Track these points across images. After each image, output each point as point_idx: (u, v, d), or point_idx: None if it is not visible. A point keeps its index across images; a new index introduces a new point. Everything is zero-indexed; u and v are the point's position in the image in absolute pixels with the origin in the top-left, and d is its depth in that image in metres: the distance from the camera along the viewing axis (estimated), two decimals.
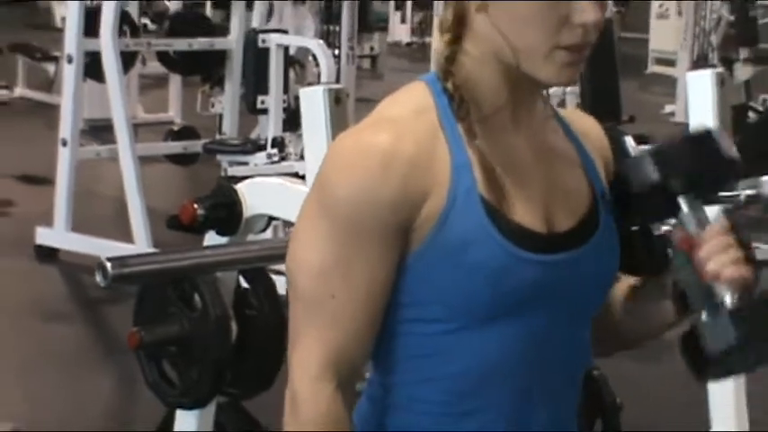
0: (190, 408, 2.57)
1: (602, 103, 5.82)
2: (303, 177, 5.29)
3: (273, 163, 5.59)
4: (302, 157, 5.71)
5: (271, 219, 2.56)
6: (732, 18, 9.92)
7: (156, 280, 2.50)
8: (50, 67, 8.78)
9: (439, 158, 1.29)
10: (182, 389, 2.50)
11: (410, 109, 1.30)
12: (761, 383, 4.10)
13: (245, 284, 2.65)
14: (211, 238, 2.53)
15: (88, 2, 5.62)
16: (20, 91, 8.96)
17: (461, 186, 1.27)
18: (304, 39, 5.92)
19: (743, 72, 8.93)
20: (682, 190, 1.30)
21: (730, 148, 1.33)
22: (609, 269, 1.40)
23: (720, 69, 3.71)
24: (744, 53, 9.10)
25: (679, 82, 10.13)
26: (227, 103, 6.37)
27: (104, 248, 4.91)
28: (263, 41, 5.50)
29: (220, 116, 6.63)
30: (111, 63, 5.36)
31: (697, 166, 1.31)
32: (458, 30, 1.32)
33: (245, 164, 5.64)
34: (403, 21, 14.01)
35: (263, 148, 5.66)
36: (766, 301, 1.28)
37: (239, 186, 2.48)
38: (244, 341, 2.52)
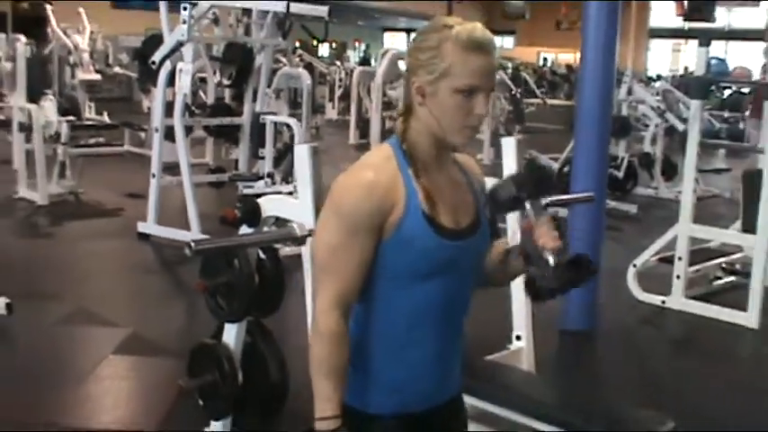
0: (232, 322, 3.52)
1: None
2: (290, 194, 6.73)
3: (268, 186, 7.10)
4: (285, 182, 7.20)
5: (277, 218, 3.42)
6: (510, 107, 13.37)
7: (216, 252, 3.29)
8: (142, 134, 11.37)
9: (399, 187, 1.76)
10: (228, 311, 3.46)
11: (381, 158, 1.80)
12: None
13: (262, 255, 3.47)
14: (243, 229, 3.40)
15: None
16: (126, 147, 11.67)
17: (411, 204, 1.77)
18: (285, 118, 7.48)
19: (515, 137, 12.10)
20: (527, 197, 1.82)
21: (551, 174, 2.28)
22: (485, 247, 1.93)
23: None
24: (517, 128, 12.95)
25: (485, 143, 13.00)
26: (241, 153, 7.86)
27: (176, 234, 7.07)
28: (263, 119, 7.10)
29: (236, 160, 8.16)
30: (179, 131, 7.06)
31: (535, 184, 1.83)
32: (407, 115, 1.83)
33: (252, 187, 7.15)
34: (333, 107, 18.55)
35: (262, 178, 7.14)
36: (570, 261, 1.78)
37: (259, 200, 3.40)
38: (261, 286, 3.41)
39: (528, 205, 1.81)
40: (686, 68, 24.52)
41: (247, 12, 7.52)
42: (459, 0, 26.02)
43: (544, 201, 1.84)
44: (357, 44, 32.77)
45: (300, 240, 3.25)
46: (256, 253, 3.53)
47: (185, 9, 6.78)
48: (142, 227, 7.45)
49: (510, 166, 4.06)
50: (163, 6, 7.11)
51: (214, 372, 3.68)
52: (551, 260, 1.76)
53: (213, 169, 8.28)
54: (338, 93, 19.25)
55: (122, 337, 5.17)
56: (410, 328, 1.82)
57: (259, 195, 6.85)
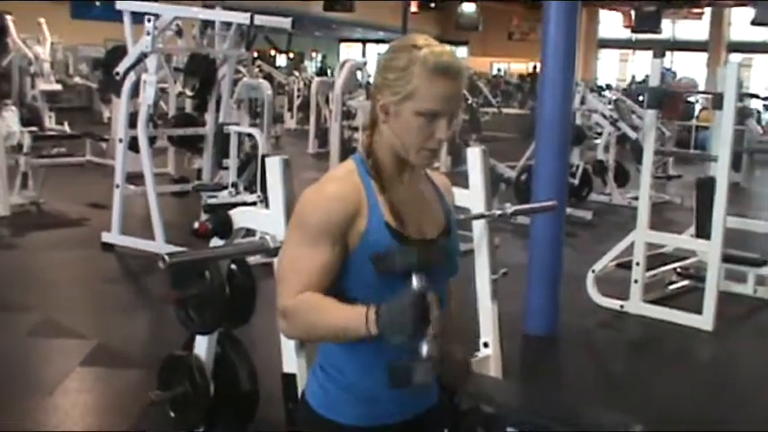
0: (203, 333, 3.51)
1: None
2: (252, 204, 6.68)
3: (232, 196, 6.99)
4: (248, 191, 7.11)
5: (248, 230, 3.45)
6: (467, 117, 13.28)
7: (189, 265, 3.27)
8: (104, 144, 11.23)
9: (362, 200, 1.76)
10: (199, 323, 3.41)
11: (344, 172, 1.81)
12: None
13: (233, 266, 3.47)
14: (215, 241, 3.39)
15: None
16: (88, 157, 11.41)
17: (374, 217, 1.77)
18: (248, 128, 7.44)
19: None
20: (415, 270, 1.67)
21: (442, 252, 1.79)
22: (455, 256, 1.90)
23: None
24: (473, 136, 12.88)
25: (442, 151, 12.37)
26: (204, 163, 7.71)
27: (140, 244, 7.01)
28: (226, 130, 6.98)
29: (199, 170, 8.04)
30: (143, 142, 6.97)
31: (429, 260, 1.69)
32: (372, 130, 1.83)
33: (216, 197, 7.01)
34: (291, 117, 18.59)
35: (226, 188, 7.04)
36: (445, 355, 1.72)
37: (231, 212, 3.40)
38: (233, 297, 3.38)
39: (415, 279, 1.67)
40: (633, 78, 24.77)
41: (210, 23, 7.41)
42: (414, 12, 26.02)
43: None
44: (314, 54, 32.68)
45: (273, 252, 3.19)
46: (227, 264, 3.49)
47: (149, 21, 6.68)
48: (106, 237, 7.32)
49: (476, 177, 4.04)
50: (127, 18, 7.00)
51: (185, 383, 3.63)
52: (425, 350, 1.64)
53: (176, 179, 8.17)
54: (297, 103, 19.18)
55: (89, 348, 5.06)
56: (373, 345, 1.75)
57: (223, 205, 6.86)
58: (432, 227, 1.87)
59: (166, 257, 2.86)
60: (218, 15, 7.17)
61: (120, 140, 7.20)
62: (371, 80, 1.90)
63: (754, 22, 18.44)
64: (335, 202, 1.75)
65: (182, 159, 10.59)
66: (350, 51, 34.69)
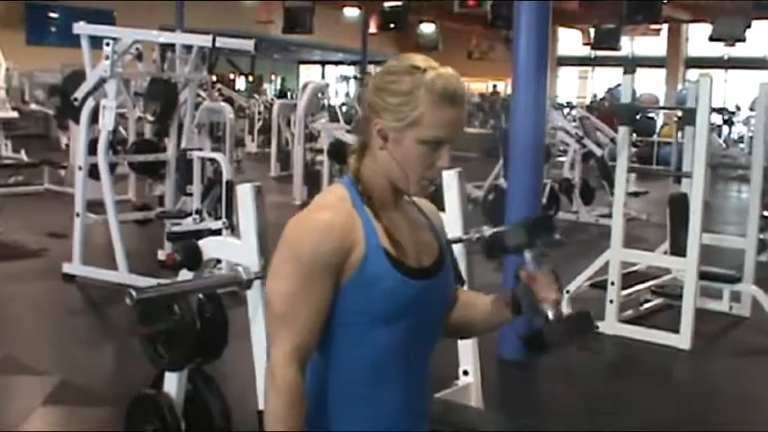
0: (174, 370, 3.32)
1: None
2: (218, 231, 6.52)
3: (196, 223, 6.80)
4: (211, 217, 6.93)
5: (218, 260, 3.44)
6: None
7: (158, 301, 3.11)
8: (62, 172, 11.03)
9: (357, 227, 1.66)
10: (168, 360, 3.23)
11: (336, 198, 1.71)
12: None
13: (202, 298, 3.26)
14: (183, 273, 3.25)
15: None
16: (46, 186, 11.19)
17: (372, 244, 1.66)
18: (212, 153, 7.22)
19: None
20: (527, 246, 1.76)
21: (552, 224, 1.86)
22: (449, 288, 1.84)
23: None
24: None
25: None
26: (167, 189, 7.51)
27: (102, 275, 6.77)
28: (189, 155, 6.80)
29: (160, 197, 7.84)
30: (104, 169, 6.76)
31: (537, 234, 1.77)
32: (361, 153, 1.74)
33: (180, 224, 6.84)
34: (252, 140, 18.49)
35: (190, 214, 6.85)
36: (569, 316, 1.75)
37: (200, 243, 3.23)
38: (203, 331, 3.20)
39: (528, 255, 1.76)
40: (595, 96, 24.93)
41: (170, 47, 7.25)
42: (373, 33, 25.98)
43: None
44: (273, 77, 32.53)
45: (246, 285, 3.06)
46: (197, 296, 3.33)
47: (108, 45, 6.51)
48: (67, 267, 7.04)
49: (452, 199, 3.92)
50: (85, 42, 6.82)
51: (155, 423, 3.45)
52: (550, 314, 1.72)
53: (139, 206, 7.95)
54: (258, 126, 18.99)
55: (52, 385, 4.82)
56: (373, 377, 1.71)
57: (187, 232, 6.65)
58: (428, 255, 1.78)
59: (134, 293, 2.70)
60: (180, 38, 7.03)
61: (80, 168, 6.98)
62: (365, 103, 1.76)
63: (712, 38, 18.60)
64: (330, 233, 1.64)
65: (143, 186, 10.37)
66: (309, 73, 34.59)
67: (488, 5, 16.28)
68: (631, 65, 5.90)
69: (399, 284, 1.67)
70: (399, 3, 18.91)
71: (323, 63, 34.45)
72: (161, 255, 7.66)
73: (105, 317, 6.52)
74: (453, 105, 1.66)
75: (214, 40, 6.33)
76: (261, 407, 3.13)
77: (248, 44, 6.50)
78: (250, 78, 28.54)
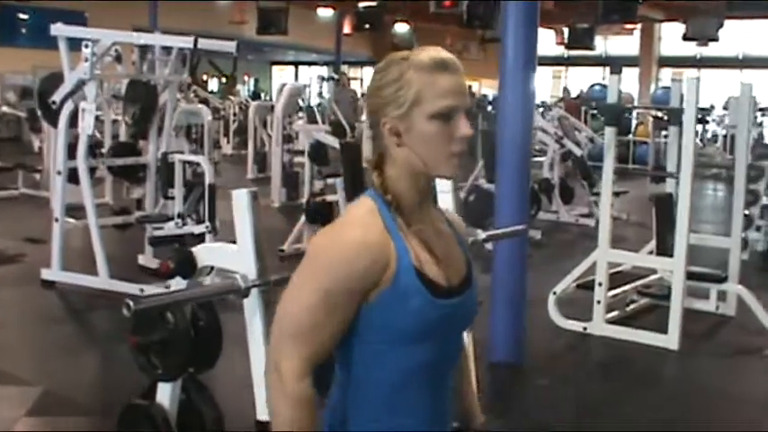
0: (167, 380, 3.26)
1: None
2: (200, 236, 6.41)
3: (178, 227, 6.71)
4: (195, 222, 6.84)
5: (212, 268, 3.27)
6: None
7: (156, 309, 3.01)
8: (37, 175, 10.87)
9: (389, 244, 1.60)
10: (163, 369, 3.15)
11: (365, 213, 1.63)
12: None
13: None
14: (177, 281, 3.21)
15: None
16: (21, 190, 11.16)
17: (403, 261, 1.60)
18: (194, 156, 7.21)
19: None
20: None
21: None
22: (475, 305, 1.76)
23: None
24: None
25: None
26: (147, 193, 7.40)
27: (82, 280, 6.65)
28: (170, 158, 6.69)
29: (138, 200, 7.71)
30: (83, 173, 6.64)
31: None
32: (380, 164, 1.67)
33: (162, 228, 6.77)
34: (228, 142, 18.52)
35: (171, 219, 6.75)
36: None
37: (193, 249, 3.20)
38: (198, 340, 3.13)
39: None
40: (564, 89, 24.93)
41: (149, 48, 7.14)
42: (347, 34, 25.92)
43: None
44: (247, 78, 32.35)
45: (245, 293, 3.00)
46: (191, 305, 3.26)
47: (86, 46, 6.39)
48: (46, 273, 6.90)
49: (446, 204, 3.84)
50: (62, 44, 6.70)
51: None
52: None
53: (118, 211, 7.80)
54: (233, 128, 18.86)
55: (35, 395, 4.70)
56: (398, 396, 1.65)
57: (170, 237, 6.55)
58: (456, 272, 1.71)
59: (131, 304, 2.61)
60: (160, 40, 6.90)
61: (59, 172, 6.85)
62: (368, 115, 1.72)
63: (685, 38, 18.68)
64: (363, 251, 1.58)
65: (120, 189, 10.19)
66: (282, 74, 34.42)
67: (464, 5, 16.21)
68: (617, 65, 5.88)
69: (428, 305, 1.62)
70: (375, 3, 18.82)
71: (296, 64, 34.29)
72: (141, 259, 7.56)
73: (87, 324, 6.40)
74: (447, 71, 1.61)
75: (196, 42, 6.23)
76: (259, 417, 3.10)
77: (230, 45, 6.41)
78: (223, 80, 28.45)
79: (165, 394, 3.32)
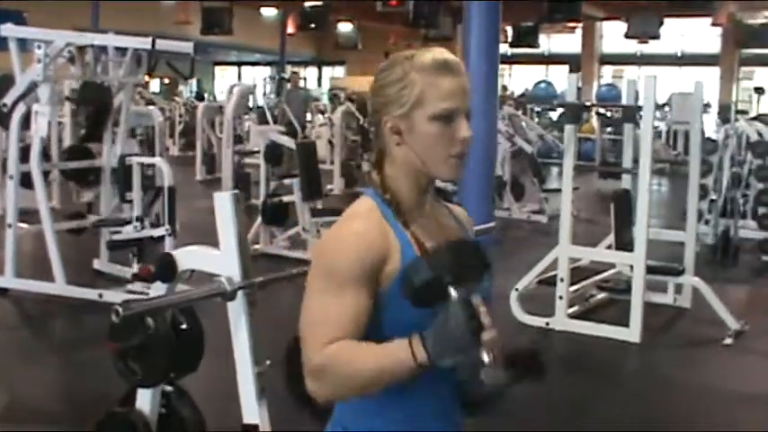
0: (148, 387, 3.20)
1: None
2: (158, 239, 6.32)
3: (137, 230, 6.60)
4: (154, 226, 6.73)
5: (192, 271, 3.22)
6: (358, 137, 14.01)
7: (144, 314, 2.94)
8: None
9: (390, 238, 1.62)
10: (143, 375, 3.07)
11: (365, 209, 1.66)
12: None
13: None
14: (157, 286, 3.15)
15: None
16: None
17: (407, 254, 1.62)
18: (153, 158, 7.08)
19: (366, 166, 12.52)
20: (451, 282, 1.50)
21: (481, 250, 1.60)
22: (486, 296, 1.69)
23: None
24: (366, 157, 13.10)
25: (335, 173, 13.25)
26: (102, 196, 7.28)
27: (38, 287, 6.49)
28: (128, 161, 6.58)
29: (89, 204, 7.58)
30: (37, 177, 6.51)
31: (460, 264, 1.53)
32: (380, 162, 1.70)
33: (120, 232, 6.67)
34: (174, 144, 18.30)
35: (130, 222, 6.65)
36: (511, 357, 1.58)
37: (174, 253, 3.15)
38: (179, 344, 3.07)
39: (453, 292, 1.50)
40: (512, 93, 25.16)
41: (103, 49, 7.02)
42: (291, 34, 25.83)
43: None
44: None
45: (230, 296, 2.97)
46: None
47: (39, 48, 6.28)
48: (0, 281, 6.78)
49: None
50: (13, 45, 6.58)
51: None
52: (485, 357, 1.49)
53: (72, 215, 7.64)
54: (179, 129, 18.69)
55: (1, 406, 4.63)
56: (408, 390, 1.64)
57: (130, 240, 6.46)
58: None
59: (120, 309, 2.57)
60: (117, 41, 6.80)
61: (11, 177, 6.71)
62: (369, 112, 1.74)
63: (627, 36, 19.01)
64: (363, 241, 1.60)
65: (67, 193, 9.94)
66: (225, 75, 34.15)
67: (411, 5, 16.30)
68: (576, 63, 5.95)
69: None
70: (320, 2, 18.79)
71: (239, 64, 34.05)
72: (97, 264, 7.45)
73: (44, 330, 6.28)
74: (450, 73, 1.63)
75: (154, 43, 6.17)
76: (246, 420, 3.07)
77: (187, 46, 6.36)
78: (165, 81, 28.15)
79: (146, 400, 3.26)
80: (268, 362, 3.10)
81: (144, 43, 6.29)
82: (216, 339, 3.20)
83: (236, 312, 3.03)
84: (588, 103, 7.66)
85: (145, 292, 6.29)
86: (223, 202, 3.05)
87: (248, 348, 3.04)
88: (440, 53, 1.65)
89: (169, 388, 3.32)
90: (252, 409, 3.01)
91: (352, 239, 1.60)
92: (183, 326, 3.19)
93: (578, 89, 6.41)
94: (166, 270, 3.15)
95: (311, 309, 1.62)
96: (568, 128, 6.24)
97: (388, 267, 1.61)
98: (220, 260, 3.04)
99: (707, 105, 15.12)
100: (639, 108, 6.08)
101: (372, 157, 1.73)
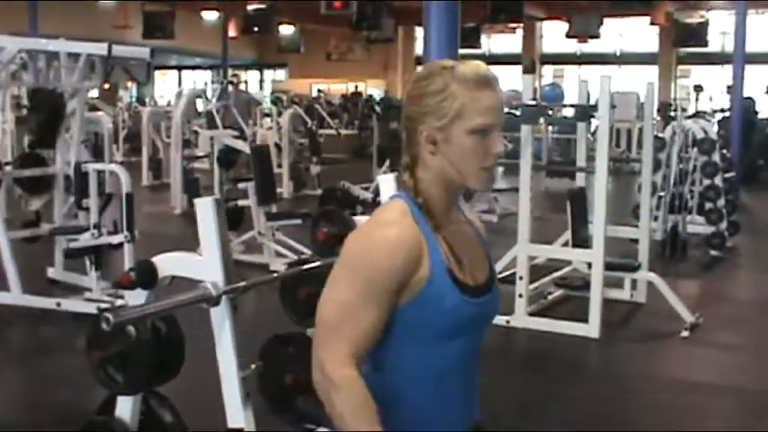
0: (130, 394, 3.17)
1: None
2: (116, 246, 6.23)
3: (95, 238, 6.51)
4: (111, 233, 6.64)
5: (173, 277, 3.12)
6: (306, 140, 14.02)
7: (134, 322, 2.94)
8: None
9: (422, 244, 1.66)
10: (124, 383, 3.07)
11: (398, 213, 1.69)
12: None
13: None
14: (137, 293, 3.09)
15: None
16: None
17: (436, 261, 1.67)
18: (109, 165, 6.97)
19: (314, 169, 13.34)
20: None
21: None
22: (498, 301, 1.84)
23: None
24: (315, 159, 13.36)
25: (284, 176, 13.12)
26: (56, 204, 7.19)
27: None
28: (84, 168, 6.50)
29: (37, 212, 7.47)
30: None
31: None
32: (413, 167, 1.73)
33: (77, 240, 6.56)
34: (118, 149, 17.58)
35: (87, 229, 6.56)
36: None
37: (154, 260, 3.09)
38: (160, 350, 3.06)
39: None
40: None
41: (54, 55, 6.92)
42: (233, 37, 25.71)
43: None
44: (129, 84, 31.65)
45: (215, 301, 2.97)
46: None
47: None
48: None
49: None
50: None
51: None
52: None
53: (26, 223, 7.53)
54: (123, 134, 18.48)
55: None
56: (433, 393, 1.72)
57: (88, 248, 6.38)
58: (482, 272, 1.79)
59: (110, 317, 2.56)
60: (71, 47, 6.71)
61: None
62: (404, 117, 1.75)
63: (569, 35, 19.30)
64: (398, 251, 1.63)
65: (14, 201, 9.75)
66: (165, 79, 33.83)
67: (354, 6, 16.34)
68: (530, 64, 6.04)
69: (461, 303, 1.68)
70: (263, 5, 18.73)
71: (179, 68, 33.74)
72: (51, 272, 7.35)
73: (4, 341, 6.17)
74: (489, 89, 1.67)
75: (110, 49, 6.11)
76: (231, 425, 3.06)
77: (144, 52, 6.32)
78: (105, 86, 27.73)
79: (126, 408, 3.23)
80: (253, 366, 3.10)
81: (100, 49, 6.23)
82: (195, 343, 3.19)
83: (220, 317, 3.02)
84: (545, 104, 7.70)
85: (104, 300, 6.29)
86: (205, 208, 3.04)
87: (232, 353, 3.03)
88: (480, 67, 1.69)
89: (150, 394, 3.30)
90: (237, 412, 3.00)
91: (388, 250, 1.63)
92: (164, 331, 3.19)
93: (535, 90, 6.50)
94: (147, 277, 3.13)
95: (338, 303, 1.64)
96: (525, 128, 6.33)
97: (418, 274, 1.65)
98: (203, 266, 3.03)
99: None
100: (594, 107, 6.19)
101: (405, 162, 1.75)
